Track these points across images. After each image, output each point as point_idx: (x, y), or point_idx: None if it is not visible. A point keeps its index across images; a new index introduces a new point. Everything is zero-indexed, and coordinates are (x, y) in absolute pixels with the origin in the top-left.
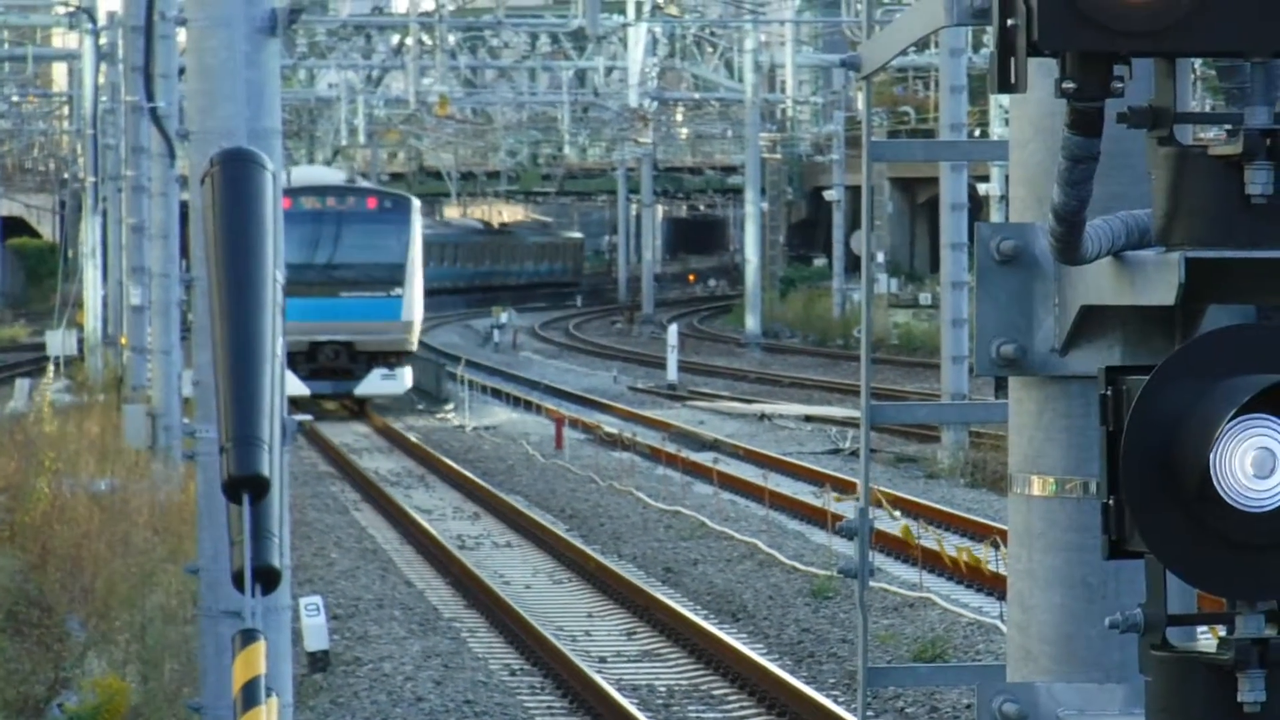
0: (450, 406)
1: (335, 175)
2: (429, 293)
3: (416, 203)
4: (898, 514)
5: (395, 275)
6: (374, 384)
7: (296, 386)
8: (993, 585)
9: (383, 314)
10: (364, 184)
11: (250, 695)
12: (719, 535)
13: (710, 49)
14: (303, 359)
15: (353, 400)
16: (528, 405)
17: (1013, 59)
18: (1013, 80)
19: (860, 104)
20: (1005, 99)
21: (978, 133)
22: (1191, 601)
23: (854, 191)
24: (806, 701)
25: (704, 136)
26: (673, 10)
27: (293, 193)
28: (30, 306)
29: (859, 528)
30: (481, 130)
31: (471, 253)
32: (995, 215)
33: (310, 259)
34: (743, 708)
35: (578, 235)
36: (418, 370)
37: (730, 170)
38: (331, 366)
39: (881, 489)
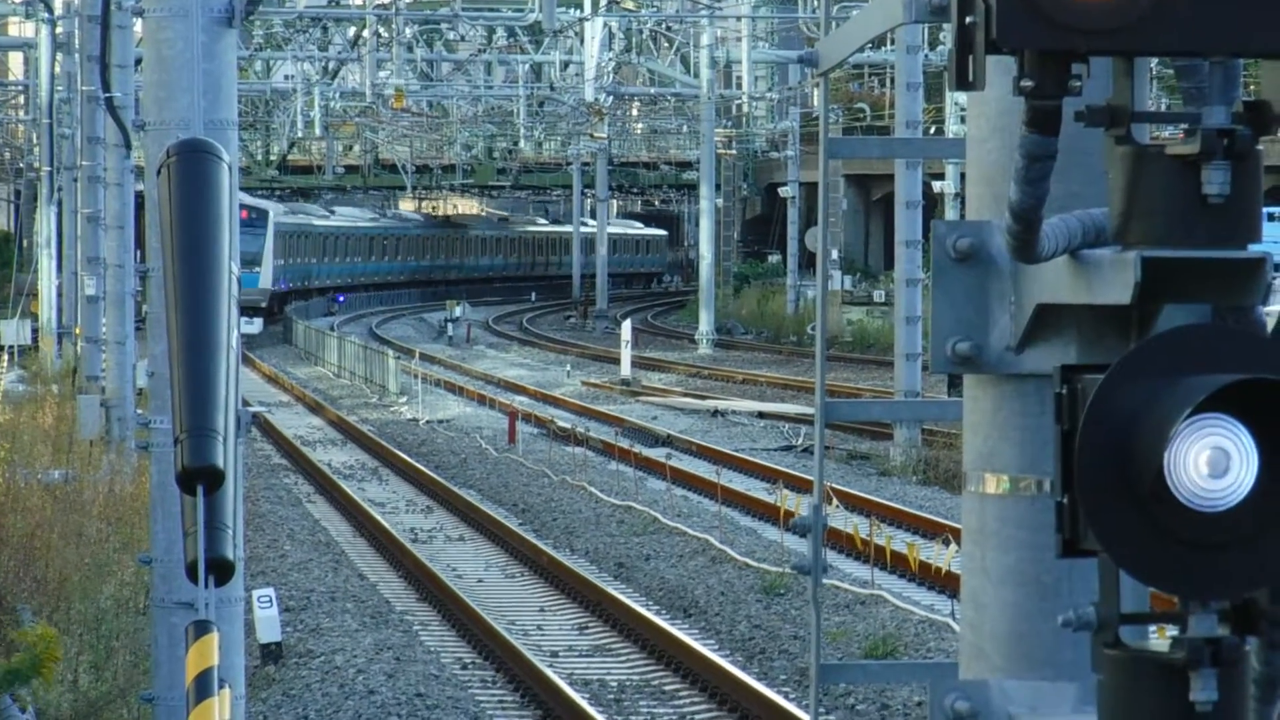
0: (404, 399)
1: None
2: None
3: (271, 212)
4: (855, 525)
5: (257, 258)
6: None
7: None
8: (944, 583)
9: (248, 283)
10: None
11: (203, 686)
12: (671, 531)
13: (666, 44)
14: None
15: None
16: (481, 399)
17: (971, 57)
18: (971, 78)
19: (816, 100)
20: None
21: (933, 130)
22: (1144, 600)
23: (809, 188)
24: (758, 698)
25: (659, 132)
26: (629, 5)
27: None
28: None
29: (812, 524)
30: (437, 123)
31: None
32: (950, 213)
33: None
34: (694, 703)
35: (662, 232)
36: (268, 320)
37: (685, 166)
38: None
39: (834, 486)
